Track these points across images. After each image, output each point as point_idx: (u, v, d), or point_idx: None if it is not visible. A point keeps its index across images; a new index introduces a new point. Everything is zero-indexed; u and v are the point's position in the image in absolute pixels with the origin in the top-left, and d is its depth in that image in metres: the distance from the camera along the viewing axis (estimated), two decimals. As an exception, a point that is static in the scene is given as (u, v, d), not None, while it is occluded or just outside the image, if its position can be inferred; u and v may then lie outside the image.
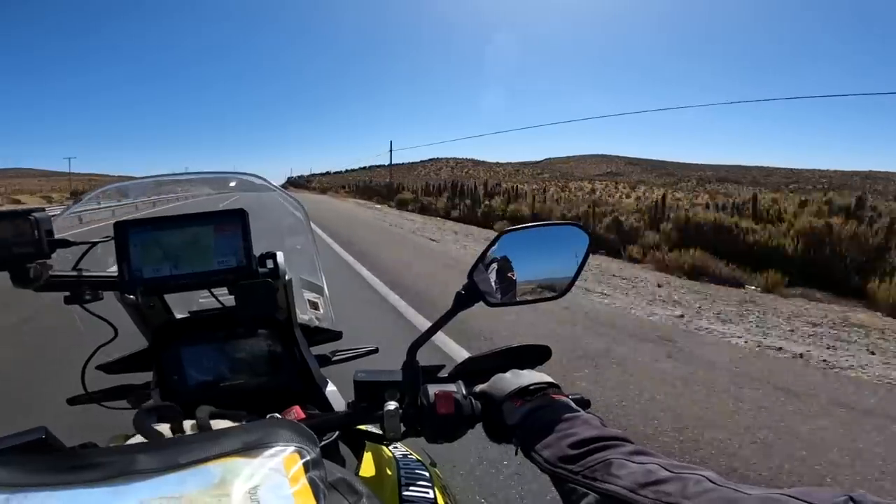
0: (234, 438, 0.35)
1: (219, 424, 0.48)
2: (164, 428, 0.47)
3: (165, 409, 0.49)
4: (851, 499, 0.30)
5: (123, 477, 0.32)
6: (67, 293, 0.73)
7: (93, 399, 0.87)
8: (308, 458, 0.34)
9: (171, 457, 0.34)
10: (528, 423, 0.52)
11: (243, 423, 0.49)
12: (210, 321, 0.88)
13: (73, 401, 0.87)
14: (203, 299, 0.91)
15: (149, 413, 0.50)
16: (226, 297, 0.83)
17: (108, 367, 0.89)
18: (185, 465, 0.33)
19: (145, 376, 0.88)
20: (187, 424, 0.47)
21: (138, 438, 0.45)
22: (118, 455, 0.34)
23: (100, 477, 0.32)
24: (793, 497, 0.32)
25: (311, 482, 0.33)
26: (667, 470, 0.39)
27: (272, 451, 0.34)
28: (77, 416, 0.98)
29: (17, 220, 0.64)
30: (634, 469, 0.41)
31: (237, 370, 0.84)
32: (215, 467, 0.33)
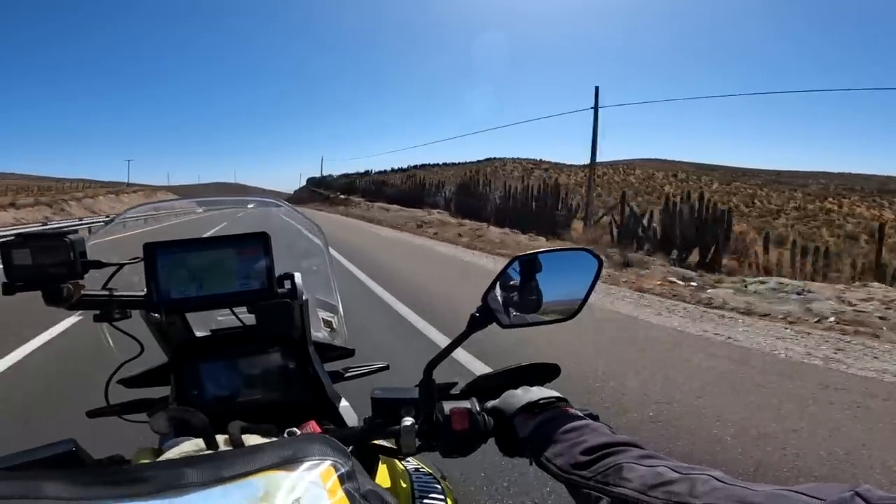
0: (271, 453, 0.38)
1: (250, 439, 0.50)
2: (195, 443, 0.50)
3: (189, 414, 0.50)
4: (857, 494, 0.31)
5: (172, 490, 0.34)
6: (97, 311, 0.77)
7: (113, 412, 0.90)
8: (343, 470, 0.37)
9: (215, 470, 0.36)
10: (539, 434, 0.55)
11: (277, 438, 0.51)
12: (229, 339, 0.92)
13: (92, 413, 0.91)
14: (222, 317, 0.95)
15: (170, 418, 0.53)
16: (245, 315, 0.87)
17: (128, 382, 0.93)
18: (229, 478, 0.35)
19: (162, 391, 0.92)
20: (220, 439, 0.50)
21: (171, 454, 0.48)
22: (165, 469, 0.37)
23: (151, 490, 0.34)
24: (800, 493, 0.34)
25: (348, 494, 0.35)
26: (675, 471, 0.42)
27: (309, 464, 0.37)
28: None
29: (52, 241, 0.69)
30: (644, 472, 0.43)
31: (253, 386, 0.87)
32: (258, 481, 0.35)
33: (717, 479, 0.39)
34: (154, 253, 0.78)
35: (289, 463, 0.37)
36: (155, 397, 0.92)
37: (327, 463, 0.37)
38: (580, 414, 0.58)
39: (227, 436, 0.50)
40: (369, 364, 1.05)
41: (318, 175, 55.05)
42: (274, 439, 0.48)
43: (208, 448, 0.48)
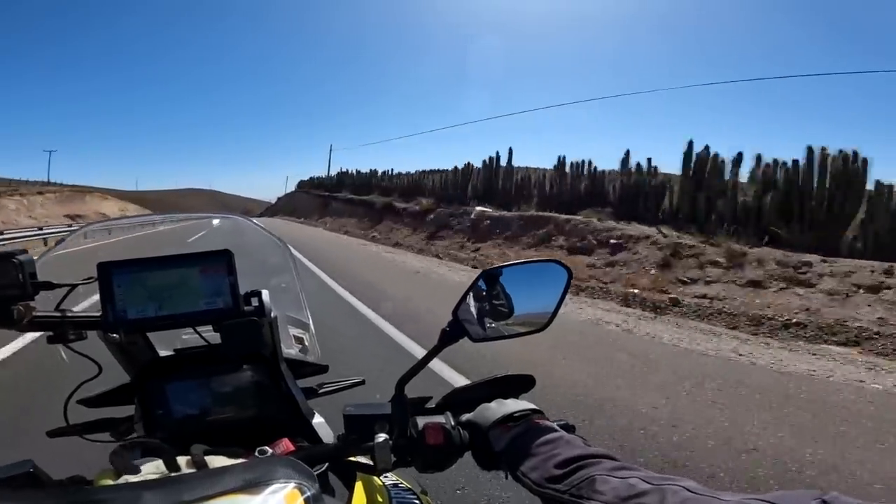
0: (235, 476, 0.38)
1: (214, 461, 0.49)
2: (156, 465, 0.49)
3: (151, 445, 0.50)
4: (824, 501, 0.32)
5: None
6: (50, 333, 0.75)
7: (74, 431, 0.88)
8: (308, 493, 0.37)
9: (175, 494, 0.36)
10: (514, 447, 0.56)
11: (242, 460, 0.51)
12: (194, 358, 0.90)
13: (53, 433, 0.88)
14: (187, 336, 0.94)
15: (129, 448, 0.52)
16: (210, 333, 0.86)
17: (90, 402, 0.91)
18: (190, 502, 0.35)
19: (127, 409, 0.90)
20: (182, 461, 0.49)
21: (132, 476, 0.47)
22: (124, 492, 0.37)
23: None
24: (768, 501, 0.35)
25: None
26: (647, 482, 0.43)
27: (273, 487, 0.37)
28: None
29: (0, 262, 0.67)
30: (616, 484, 0.44)
31: (223, 404, 0.86)
32: None
33: (687, 489, 0.40)
34: (109, 272, 0.77)
35: (253, 486, 0.37)
36: (119, 416, 0.90)
37: (292, 485, 0.37)
38: (555, 426, 0.58)
39: (188, 458, 0.49)
40: (344, 379, 1.04)
41: (318, 174, 42.33)
42: (239, 461, 0.48)
43: (169, 471, 0.48)
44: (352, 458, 0.70)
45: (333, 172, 36.71)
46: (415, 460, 0.63)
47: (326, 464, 0.71)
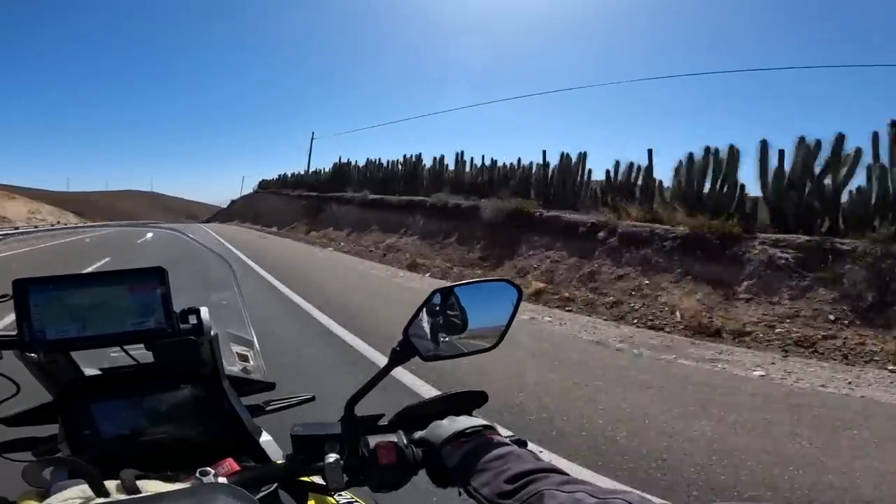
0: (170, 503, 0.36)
1: (148, 486, 0.48)
2: (81, 489, 0.47)
3: (76, 466, 0.47)
4: None
5: None
6: None
7: None
8: None
9: None
10: (466, 463, 0.57)
11: (178, 486, 0.49)
12: (125, 377, 0.86)
13: None
14: (115, 354, 0.90)
15: (45, 465, 0.50)
16: (141, 352, 0.83)
17: (9, 420, 0.85)
18: None
19: (50, 428, 0.85)
20: (111, 485, 0.47)
21: (55, 501, 0.45)
22: None
23: None
24: None
25: None
26: (593, 496, 0.44)
27: None
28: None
29: None
30: (564, 498, 0.45)
31: (160, 423, 0.83)
32: None
33: (631, 503, 0.42)
34: (25, 290, 0.73)
35: None
36: (41, 435, 0.85)
37: None
38: (507, 441, 0.60)
39: (118, 482, 0.47)
40: (293, 396, 1.02)
41: (289, 171, 32.63)
42: (175, 487, 0.47)
43: (97, 496, 0.46)
44: (304, 479, 0.69)
45: (315, 167, 28.02)
46: (368, 480, 0.62)
47: (275, 484, 0.70)
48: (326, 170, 24.60)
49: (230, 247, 14.41)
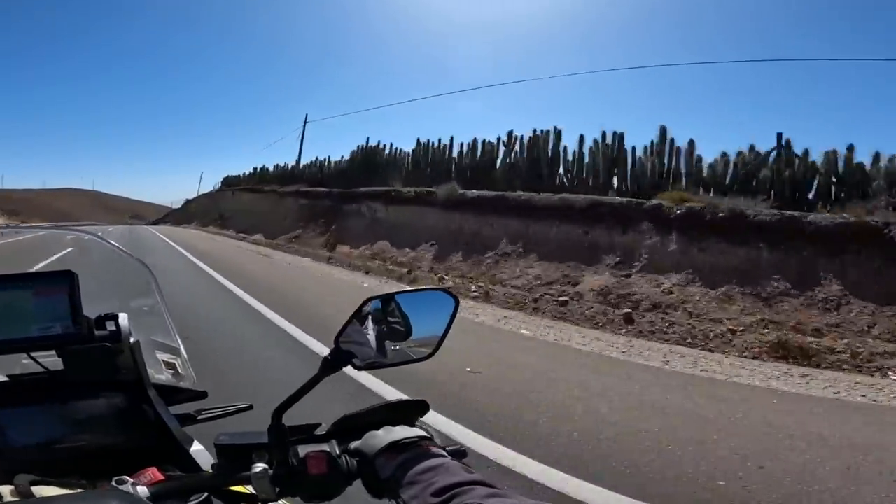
0: None
1: (43, 492, 0.46)
2: None
3: None
4: None
5: None
6: None
7: None
8: None
9: None
10: (398, 475, 0.57)
11: (72, 491, 0.48)
12: (34, 384, 0.83)
13: None
14: (26, 361, 0.86)
15: None
16: (52, 359, 0.80)
17: None
18: None
19: None
20: (5, 490, 0.46)
21: None
22: None
23: None
24: None
25: None
26: None
27: None
28: None
29: None
30: None
31: (77, 432, 0.80)
32: None
33: None
34: None
35: None
36: None
37: None
38: (442, 452, 0.60)
39: (12, 487, 0.46)
40: (229, 405, 1.00)
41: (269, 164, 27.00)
42: (66, 492, 0.45)
43: None
44: (235, 489, 0.68)
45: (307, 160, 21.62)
46: (299, 490, 0.62)
47: (205, 494, 0.68)
48: (325, 160, 18.84)
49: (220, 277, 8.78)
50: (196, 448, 0.84)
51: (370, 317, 0.68)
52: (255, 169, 29.00)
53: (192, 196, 44.12)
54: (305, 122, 24.49)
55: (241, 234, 19.94)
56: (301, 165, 22.54)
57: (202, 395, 0.98)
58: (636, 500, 2.17)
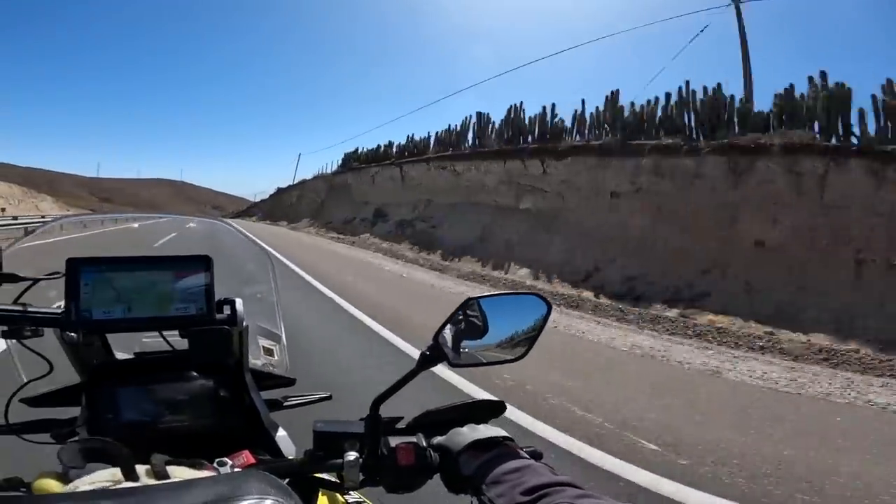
0: (204, 489, 0.36)
1: (176, 472, 0.48)
2: (111, 472, 0.47)
3: (109, 448, 0.48)
4: None
5: None
6: (5, 328, 0.73)
7: (12, 431, 0.84)
8: None
9: None
10: (482, 473, 0.57)
11: (207, 473, 0.49)
12: (154, 363, 0.88)
13: None
14: (148, 339, 0.92)
15: (82, 449, 0.50)
16: (175, 338, 0.85)
17: (34, 401, 0.87)
18: None
19: (70, 411, 0.86)
20: (141, 470, 0.47)
21: (83, 484, 0.45)
22: (80, 502, 0.35)
23: None
24: None
25: None
26: None
27: (246, 503, 0.35)
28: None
29: None
30: None
31: (178, 412, 0.84)
32: None
33: None
34: (77, 269, 0.75)
35: (224, 502, 0.36)
36: (60, 418, 0.86)
37: (267, 503, 0.36)
38: (524, 453, 0.60)
39: (147, 467, 0.48)
40: (311, 394, 1.03)
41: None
42: (206, 474, 0.47)
43: (127, 480, 0.46)
44: (317, 475, 0.69)
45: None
46: (383, 480, 0.63)
47: (287, 479, 0.70)
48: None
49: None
50: (280, 434, 0.86)
51: (467, 316, 0.68)
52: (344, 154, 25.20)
53: (284, 184, 35.17)
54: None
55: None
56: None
57: (291, 382, 1.01)
58: None
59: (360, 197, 20.51)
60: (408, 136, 19.14)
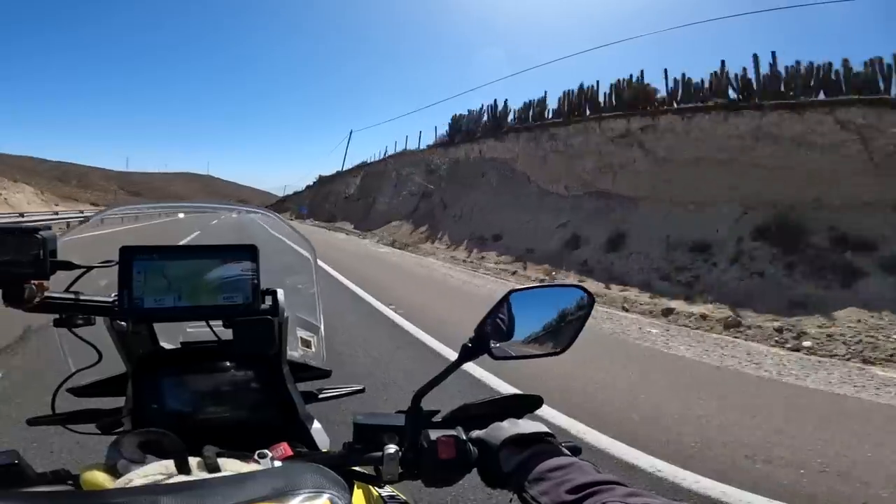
0: (261, 483, 0.36)
1: (226, 464, 0.48)
2: (164, 465, 0.47)
3: (166, 441, 0.48)
4: None
5: None
6: (58, 315, 0.74)
7: (57, 420, 0.86)
8: None
9: (196, 501, 0.34)
10: (524, 469, 0.56)
11: (259, 465, 0.50)
12: (199, 353, 0.89)
13: (33, 421, 0.86)
14: (192, 329, 0.92)
15: (141, 442, 0.50)
16: (219, 328, 0.85)
17: (79, 391, 0.89)
18: None
19: (113, 401, 0.88)
20: (193, 462, 0.47)
21: (137, 477, 0.45)
22: (138, 497, 0.35)
23: None
24: None
25: None
26: None
27: (304, 497, 0.36)
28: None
29: (23, 237, 0.67)
30: None
31: (219, 403, 0.85)
32: None
33: None
34: (130, 258, 0.76)
35: (281, 495, 0.35)
36: (104, 408, 0.88)
37: (325, 497, 0.36)
38: (565, 451, 0.59)
39: (199, 459, 0.48)
40: (344, 386, 1.03)
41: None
42: (255, 467, 0.47)
43: (180, 472, 0.46)
44: (355, 468, 0.69)
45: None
46: (422, 473, 0.62)
47: None
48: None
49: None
50: (315, 427, 0.86)
51: (509, 309, 0.67)
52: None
53: (327, 172, 27.55)
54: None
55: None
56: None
57: (327, 375, 1.01)
58: None
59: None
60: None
